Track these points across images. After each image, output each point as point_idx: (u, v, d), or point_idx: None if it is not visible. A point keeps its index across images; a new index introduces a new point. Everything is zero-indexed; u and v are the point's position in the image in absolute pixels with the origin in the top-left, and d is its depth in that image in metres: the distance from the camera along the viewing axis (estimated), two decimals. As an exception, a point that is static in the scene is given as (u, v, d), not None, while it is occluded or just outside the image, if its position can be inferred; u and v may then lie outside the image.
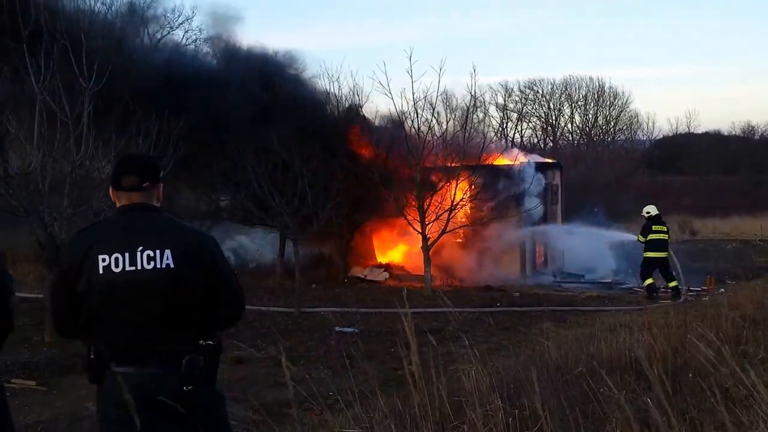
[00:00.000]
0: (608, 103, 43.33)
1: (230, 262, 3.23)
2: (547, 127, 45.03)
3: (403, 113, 15.74)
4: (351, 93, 17.20)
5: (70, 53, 9.90)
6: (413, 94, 15.81)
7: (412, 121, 15.43)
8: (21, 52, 10.02)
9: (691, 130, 53.46)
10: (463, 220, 16.15)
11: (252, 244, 18.41)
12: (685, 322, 6.37)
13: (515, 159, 17.81)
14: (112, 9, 16.89)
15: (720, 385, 3.86)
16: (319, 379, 6.02)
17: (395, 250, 17.91)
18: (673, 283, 14.50)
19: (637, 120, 44.64)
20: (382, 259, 17.84)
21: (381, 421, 3.85)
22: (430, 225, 15.20)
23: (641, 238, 14.98)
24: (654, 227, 14.84)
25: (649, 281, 14.69)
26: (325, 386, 5.61)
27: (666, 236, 14.95)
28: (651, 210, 15.06)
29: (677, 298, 13.83)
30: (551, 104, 44.77)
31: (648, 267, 14.75)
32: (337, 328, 10.76)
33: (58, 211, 9.79)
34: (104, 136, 10.23)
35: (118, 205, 3.16)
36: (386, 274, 17.02)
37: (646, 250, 14.84)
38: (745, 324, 6.27)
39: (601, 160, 38.28)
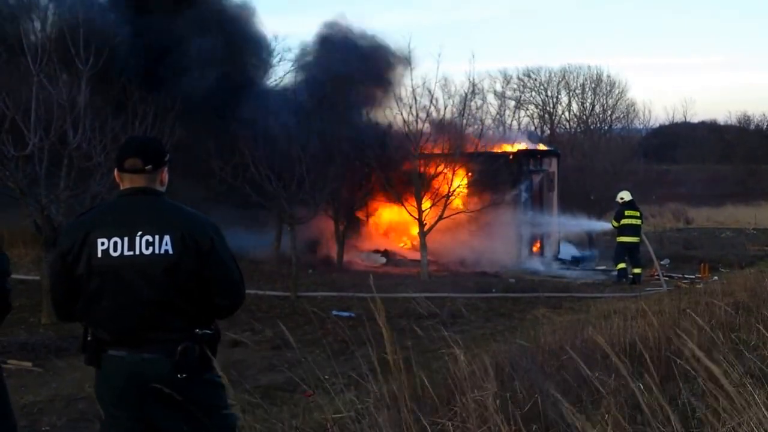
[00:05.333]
0: (605, 91, 43.18)
1: (231, 249, 3.18)
2: (544, 115, 44.90)
3: (401, 99, 15.72)
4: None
5: (67, 35, 9.84)
6: (411, 80, 15.81)
7: (410, 107, 15.42)
8: (17, 33, 9.96)
9: (688, 119, 53.45)
10: (460, 206, 16.17)
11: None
12: (679, 309, 6.43)
13: (512, 146, 17.82)
14: None
15: (713, 371, 3.90)
16: (316, 362, 6.05)
17: (392, 235, 17.91)
18: (637, 270, 14.77)
19: (634, 109, 44.44)
20: (378, 244, 17.85)
21: (375, 404, 3.88)
22: (426, 211, 15.22)
23: (614, 223, 15.23)
24: (627, 212, 15.03)
25: (621, 266, 14.93)
26: (321, 370, 5.64)
27: (639, 221, 15.16)
28: (625, 195, 15.25)
29: (635, 284, 14.35)
30: (549, 92, 44.64)
31: (621, 252, 14.96)
32: (334, 312, 10.79)
33: (55, 194, 9.76)
34: (101, 118, 10.19)
35: (121, 188, 3.13)
36: (383, 260, 17.05)
37: (619, 235, 15.06)
38: (739, 311, 6.31)
39: (597, 149, 38.22)
